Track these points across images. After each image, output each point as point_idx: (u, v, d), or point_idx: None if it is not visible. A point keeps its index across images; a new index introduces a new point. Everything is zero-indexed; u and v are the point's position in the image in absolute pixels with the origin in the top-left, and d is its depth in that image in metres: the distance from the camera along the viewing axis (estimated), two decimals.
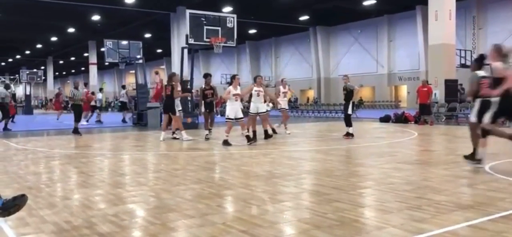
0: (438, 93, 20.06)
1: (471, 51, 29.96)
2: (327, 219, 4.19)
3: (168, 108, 12.29)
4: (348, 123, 12.14)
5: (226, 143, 10.53)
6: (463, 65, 25.38)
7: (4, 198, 3.71)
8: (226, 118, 11.06)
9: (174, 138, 12.27)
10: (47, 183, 6.32)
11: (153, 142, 12.16)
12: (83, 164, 8.11)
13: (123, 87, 26.18)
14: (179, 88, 12.77)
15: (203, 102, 12.59)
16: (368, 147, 10.66)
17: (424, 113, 18.08)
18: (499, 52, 6.63)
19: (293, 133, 14.16)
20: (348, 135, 12.07)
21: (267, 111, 12.33)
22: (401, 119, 19.33)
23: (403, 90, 43.55)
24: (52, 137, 14.42)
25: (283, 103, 14.50)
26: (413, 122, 18.67)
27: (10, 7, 32.22)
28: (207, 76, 12.86)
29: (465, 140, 11.93)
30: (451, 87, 20.71)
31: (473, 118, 7.06)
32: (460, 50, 25.62)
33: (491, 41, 34.30)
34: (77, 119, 14.78)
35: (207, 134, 12.18)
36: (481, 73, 7.21)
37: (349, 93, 12.10)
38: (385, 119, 20.04)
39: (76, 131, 14.43)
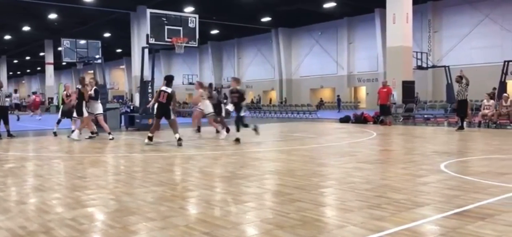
0: (396, 94, 20.62)
1: (427, 53, 30.98)
2: (290, 218, 4.22)
3: (77, 110, 12.79)
4: (238, 127, 11.51)
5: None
6: (420, 67, 26.19)
7: None
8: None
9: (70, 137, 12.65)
10: (0, 187, 6.07)
11: (111, 143, 11.90)
12: (39, 167, 7.85)
13: (16, 91, 26.96)
14: (91, 92, 12.95)
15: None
16: (329, 147, 10.83)
17: (384, 113, 18.54)
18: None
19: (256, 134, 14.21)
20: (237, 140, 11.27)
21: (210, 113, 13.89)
22: (361, 119, 19.76)
23: (362, 91, 44.54)
24: (5, 140, 13.84)
25: (203, 105, 13.87)
26: (372, 123, 19.11)
27: None
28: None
29: (422, 139, 12.35)
30: (409, 88, 21.34)
31: None
32: (417, 52, 26.45)
33: (446, 43, 35.75)
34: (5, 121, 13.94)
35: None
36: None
37: (240, 96, 11.74)
38: (345, 120, 20.44)
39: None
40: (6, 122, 13.95)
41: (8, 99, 19.87)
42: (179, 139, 10.91)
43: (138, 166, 7.98)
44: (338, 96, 41.27)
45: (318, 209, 4.65)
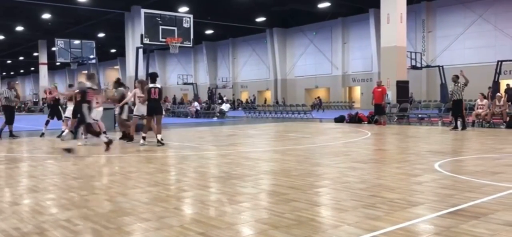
0: (390, 94, 20.69)
1: (421, 53, 31.11)
2: (285, 218, 4.23)
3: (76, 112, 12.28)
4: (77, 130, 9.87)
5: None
6: (414, 67, 26.29)
7: None
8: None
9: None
10: None
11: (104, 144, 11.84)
12: (33, 167, 7.81)
13: None
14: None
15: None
16: (324, 147, 10.85)
17: (378, 113, 18.58)
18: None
19: (251, 134, 14.21)
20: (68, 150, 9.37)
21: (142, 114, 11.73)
22: (355, 119, 19.81)
23: (357, 91, 44.64)
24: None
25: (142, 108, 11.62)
26: (366, 122, 19.16)
27: None
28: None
29: (416, 139, 12.39)
30: (403, 88, 21.41)
31: None
32: (411, 52, 26.53)
33: (440, 43, 35.91)
34: (10, 122, 14.03)
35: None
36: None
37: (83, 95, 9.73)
38: (339, 120, 20.48)
39: (11, 134, 13.84)
40: (10, 122, 13.89)
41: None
42: (161, 140, 11.02)
43: (132, 167, 7.95)
44: (319, 97, 41.64)
45: (313, 208, 4.66)
